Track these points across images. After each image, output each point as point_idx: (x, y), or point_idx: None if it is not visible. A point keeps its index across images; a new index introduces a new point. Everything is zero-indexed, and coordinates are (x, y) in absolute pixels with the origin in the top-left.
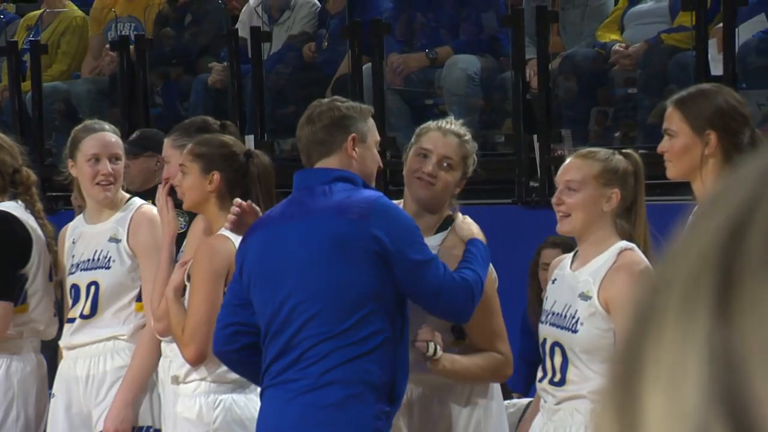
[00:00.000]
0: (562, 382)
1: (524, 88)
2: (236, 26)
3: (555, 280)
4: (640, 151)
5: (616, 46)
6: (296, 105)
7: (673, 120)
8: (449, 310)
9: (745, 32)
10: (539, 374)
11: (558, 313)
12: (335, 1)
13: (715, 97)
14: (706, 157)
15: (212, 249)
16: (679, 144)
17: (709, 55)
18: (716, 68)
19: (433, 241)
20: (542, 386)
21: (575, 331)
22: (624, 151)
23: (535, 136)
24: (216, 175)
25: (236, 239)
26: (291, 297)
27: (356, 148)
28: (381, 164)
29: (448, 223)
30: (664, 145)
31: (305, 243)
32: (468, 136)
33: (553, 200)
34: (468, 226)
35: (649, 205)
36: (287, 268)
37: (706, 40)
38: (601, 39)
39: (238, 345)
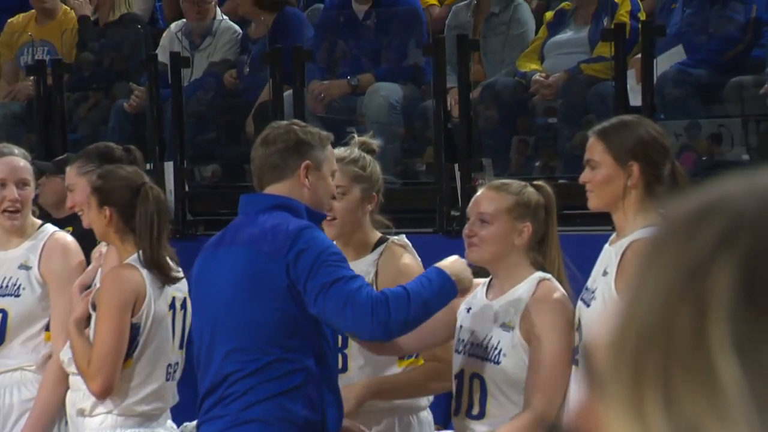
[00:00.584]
0: (481, 415)
1: (446, 117)
2: (156, 51)
3: (469, 308)
4: (560, 180)
5: (537, 76)
6: (217, 131)
7: (596, 151)
8: (356, 326)
9: (663, 63)
10: (453, 406)
11: (477, 344)
12: (257, 27)
13: (637, 128)
14: (629, 189)
15: (119, 278)
16: (602, 174)
17: (628, 86)
18: (635, 99)
19: (362, 264)
20: (459, 419)
21: (498, 363)
22: (536, 183)
23: (456, 165)
24: (107, 211)
25: (143, 269)
26: (213, 331)
27: (309, 176)
28: (335, 194)
29: (380, 243)
30: (586, 176)
31: (224, 275)
32: (355, 155)
33: (465, 231)
34: (450, 260)
35: (569, 235)
36: (210, 299)
37: (624, 71)
38: (521, 68)
39: None
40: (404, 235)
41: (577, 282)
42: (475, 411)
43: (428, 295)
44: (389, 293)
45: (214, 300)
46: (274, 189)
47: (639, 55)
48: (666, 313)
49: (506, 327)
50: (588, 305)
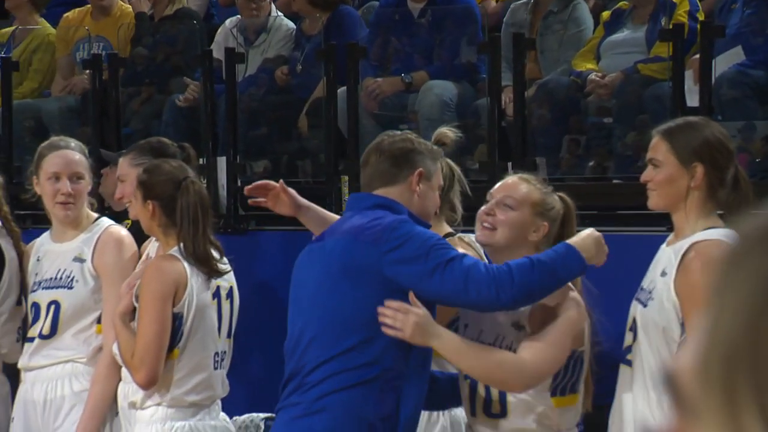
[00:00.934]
0: (503, 414)
1: (500, 115)
2: (211, 47)
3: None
4: (614, 180)
5: (592, 75)
6: (269, 127)
7: (660, 150)
8: (479, 300)
9: (721, 64)
10: (468, 407)
11: (490, 344)
12: (311, 24)
13: (703, 129)
14: (691, 190)
15: (160, 269)
16: (664, 174)
17: (686, 87)
18: (692, 100)
19: None
20: (477, 420)
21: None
22: (560, 194)
23: (509, 164)
24: (150, 204)
25: (185, 260)
26: (302, 317)
27: (420, 184)
28: (439, 207)
29: (447, 236)
30: (648, 174)
31: (320, 264)
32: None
33: (483, 210)
34: (582, 234)
35: (621, 235)
36: (305, 289)
37: (682, 72)
38: (577, 67)
39: None
40: (472, 235)
41: (620, 284)
42: (496, 410)
43: (553, 264)
44: (512, 263)
45: (308, 289)
46: (384, 192)
47: (696, 56)
48: (750, 327)
49: (518, 326)
50: (645, 305)
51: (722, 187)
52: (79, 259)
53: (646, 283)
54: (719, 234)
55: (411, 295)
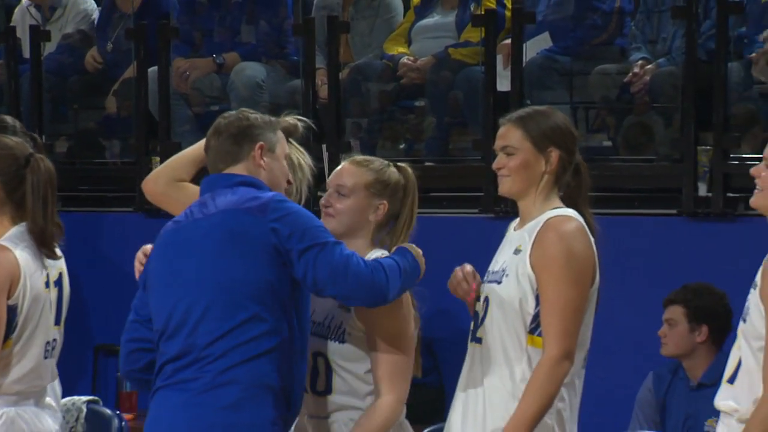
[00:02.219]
0: (328, 391)
1: (314, 97)
2: (12, 24)
3: None
4: (426, 163)
5: (404, 59)
6: (77, 106)
7: (514, 137)
8: (356, 290)
9: (530, 50)
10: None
11: (320, 323)
12: (123, 2)
13: (552, 116)
14: (544, 174)
15: None
16: (520, 160)
17: (496, 71)
18: (502, 84)
19: None
20: (307, 396)
21: (342, 342)
22: (399, 164)
23: (324, 146)
24: None
25: (18, 249)
26: (187, 295)
27: (264, 158)
28: (291, 178)
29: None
30: (501, 162)
31: (202, 239)
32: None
33: (322, 201)
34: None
35: (432, 218)
36: (185, 267)
37: (494, 56)
38: (389, 51)
39: (142, 363)
40: None
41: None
42: (321, 387)
43: (409, 267)
44: (381, 261)
45: (189, 267)
46: (232, 170)
47: (506, 41)
48: None
49: (345, 307)
50: (499, 283)
51: (566, 172)
52: None
53: (495, 266)
54: (568, 212)
55: None
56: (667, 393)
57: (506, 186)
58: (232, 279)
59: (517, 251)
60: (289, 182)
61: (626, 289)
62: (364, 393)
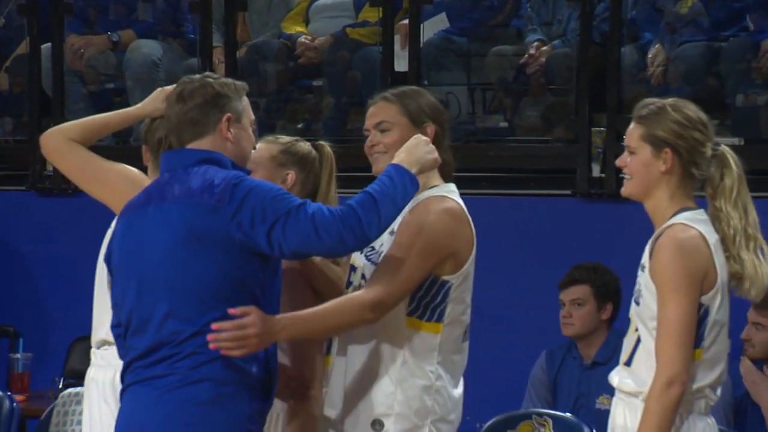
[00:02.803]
0: None
1: None
2: None
3: None
4: (330, 145)
5: (302, 38)
6: None
7: (388, 113)
8: (334, 244)
9: (427, 30)
10: None
11: None
12: None
13: (424, 94)
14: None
15: None
16: (396, 136)
17: (394, 51)
18: (400, 64)
19: None
20: None
21: None
22: (319, 142)
23: None
24: None
25: None
26: (152, 290)
27: (231, 129)
28: (254, 144)
29: None
30: (376, 138)
31: (161, 232)
32: None
33: None
34: (406, 146)
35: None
36: (145, 258)
37: (392, 36)
38: (286, 30)
39: None
40: None
41: None
42: None
43: (392, 192)
44: (353, 201)
45: (149, 259)
46: (196, 146)
47: (404, 21)
48: None
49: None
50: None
51: (442, 147)
52: None
53: (377, 244)
54: (451, 188)
55: (235, 311)
56: (559, 371)
57: (381, 164)
58: (199, 278)
59: (391, 232)
60: (254, 147)
61: (521, 268)
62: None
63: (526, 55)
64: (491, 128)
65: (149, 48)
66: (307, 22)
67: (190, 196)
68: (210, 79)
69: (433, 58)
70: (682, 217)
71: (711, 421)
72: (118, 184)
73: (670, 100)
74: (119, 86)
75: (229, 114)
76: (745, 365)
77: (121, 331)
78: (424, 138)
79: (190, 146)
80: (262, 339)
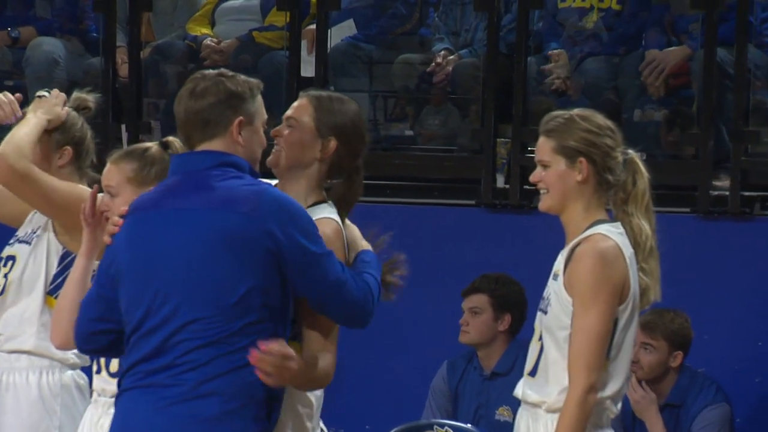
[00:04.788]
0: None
1: (114, 76)
2: None
3: None
4: None
5: (208, 40)
6: None
7: (300, 113)
8: (349, 308)
9: (335, 36)
10: (94, 367)
11: None
12: None
13: (347, 105)
14: (315, 161)
15: None
16: (297, 137)
17: (301, 56)
18: (307, 69)
19: None
20: (102, 377)
21: None
22: (167, 139)
23: (123, 126)
24: None
25: None
26: (171, 295)
27: (242, 132)
28: (265, 146)
29: None
30: (279, 130)
31: (187, 236)
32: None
33: (100, 207)
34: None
35: None
36: (166, 262)
37: (299, 41)
38: (191, 32)
39: (105, 343)
40: None
41: None
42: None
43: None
44: (369, 281)
45: (171, 263)
46: (207, 147)
47: (311, 26)
48: None
49: None
50: None
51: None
52: None
53: None
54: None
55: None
56: (460, 381)
57: (276, 158)
58: (226, 286)
59: None
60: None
61: (424, 278)
62: None
63: (433, 64)
64: (395, 136)
65: (50, 46)
66: (212, 24)
67: (221, 203)
68: (224, 78)
69: (339, 64)
70: (601, 229)
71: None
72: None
73: (576, 111)
74: (18, 84)
75: (241, 117)
76: (631, 381)
77: (129, 332)
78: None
79: (200, 147)
80: (298, 376)
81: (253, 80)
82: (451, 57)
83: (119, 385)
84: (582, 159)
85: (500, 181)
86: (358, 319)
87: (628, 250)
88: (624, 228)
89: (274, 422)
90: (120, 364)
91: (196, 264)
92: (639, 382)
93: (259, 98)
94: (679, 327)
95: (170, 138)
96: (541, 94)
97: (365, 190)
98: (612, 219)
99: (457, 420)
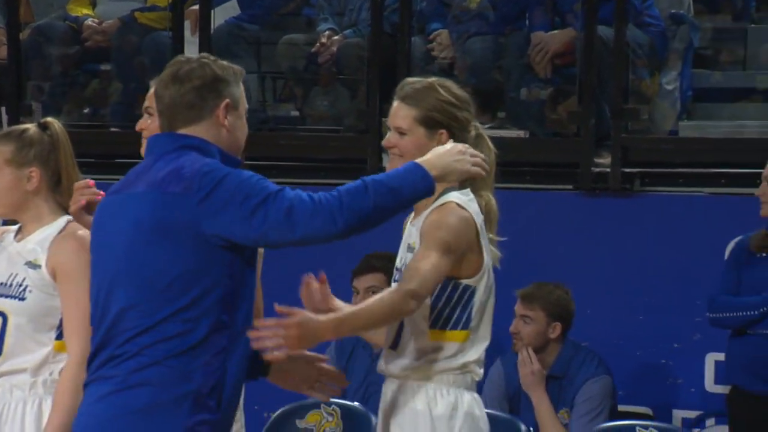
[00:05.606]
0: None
1: None
2: None
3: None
4: (112, 129)
5: (89, 21)
6: None
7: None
8: (308, 233)
9: (219, 16)
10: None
11: (3, 283)
12: None
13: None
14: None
15: None
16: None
17: (184, 37)
18: (190, 50)
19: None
20: None
21: (23, 299)
22: (45, 120)
23: (3, 109)
24: None
25: None
26: (111, 282)
27: (228, 116)
28: (247, 133)
29: None
30: (142, 123)
31: (126, 221)
32: None
33: None
34: (440, 149)
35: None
36: (110, 248)
37: (182, 22)
38: (72, 12)
39: None
40: None
41: None
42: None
43: (394, 183)
44: (342, 188)
45: (115, 249)
46: (189, 131)
47: (194, 7)
48: None
49: (32, 265)
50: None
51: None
52: None
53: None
54: None
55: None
56: (349, 361)
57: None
58: (158, 273)
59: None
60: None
61: (313, 259)
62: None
63: (318, 44)
64: (282, 117)
65: None
66: (93, 4)
67: (157, 184)
68: (208, 61)
69: (224, 45)
70: (453, 196)
71: (477, 396)
72: None
73: (435, 79)
74: None
75: (227, 100)
76: (522, 356)
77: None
78: (462, 146)
79: (181, 131)
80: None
81: (237, 67)
82: (336, 37)
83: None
84: (443, 131)
85: (386, 161)
86: (317, 240)
87: (479, 218)
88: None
89: (228, 411)
90: None
91: (131, 248)
92: (528, 355)
93: (242, 85)
94: (558, 298)
95: (49, 119)
96: (428, 73)
97: (253, 171)
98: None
99: (346, 398)
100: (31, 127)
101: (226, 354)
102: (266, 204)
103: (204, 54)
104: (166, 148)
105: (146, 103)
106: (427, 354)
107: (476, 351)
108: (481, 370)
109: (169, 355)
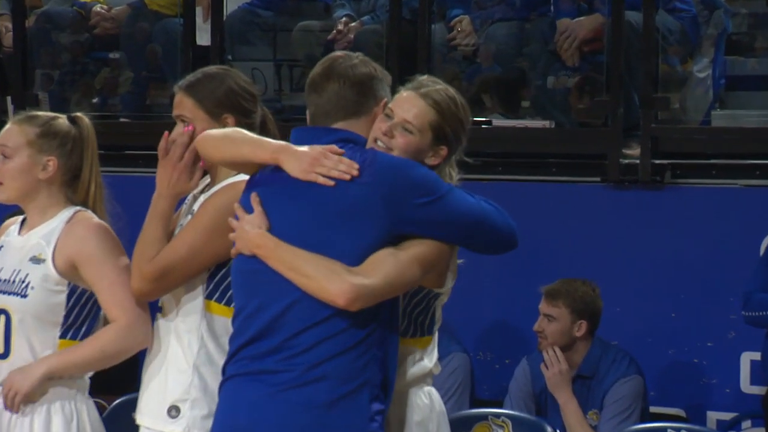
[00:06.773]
0: (6, 354)
1: None
2: None
3: (1, 246)
4: (122, 119)
5: (97, 7)
6: None
7: (186, 106)
8: (493, 235)
9: (231, 2)
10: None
11: (6, 279)
12: None
13: (225, 79)
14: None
15: None
16: (199, 129)
17: (196, 24)
18: (203, 38)
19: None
20: None
21: (25, 296)
22: (75, 114)
23: (9, 99)
24: None
25: None
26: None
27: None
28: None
29: None
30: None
31: (299, 210)
32: None
33: None
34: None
35: (122, 176)
36: (284, 237)
37: (193, 8)
38: None
39: None
40: None
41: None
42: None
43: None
44: (492, 203)
45: (290, 237)
46: (346, 126)
47: None
48: None
49: (36, 260)
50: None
51: (254, 130)
52: None
53: None
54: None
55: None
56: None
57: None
58: (338, 258)
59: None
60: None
61: None
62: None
63: (334, 31)
64: (299, 106)
65: None
66: None
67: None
68: (364, 58)
69: (237, 32)
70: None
71: (434, 390)
72: None
73: (453, 91)
74: None
75: (385, 99)
76: (548, 356)
77: (235, 314)
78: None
79: (337, 125)
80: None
81: (385, 71)
82: (353, 24)
83: (223, 372)
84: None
85: None
86: (504, 243)
87: None
88: None
89: (389, 403)
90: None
91: (308, 236)
92: (554, 354)
93: (389, 89)
94: (583, 295)
95: (79, 114)
96: (452, 61)
97: None
98: None
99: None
100: (61, 117)
101: (386, 346)
102: (450, 197)
103: (358, 53)
104: (320, 140)
105: (176, 111)
106: None
107: (435, 353)
108: (439, 367)
109: (344, 349)
